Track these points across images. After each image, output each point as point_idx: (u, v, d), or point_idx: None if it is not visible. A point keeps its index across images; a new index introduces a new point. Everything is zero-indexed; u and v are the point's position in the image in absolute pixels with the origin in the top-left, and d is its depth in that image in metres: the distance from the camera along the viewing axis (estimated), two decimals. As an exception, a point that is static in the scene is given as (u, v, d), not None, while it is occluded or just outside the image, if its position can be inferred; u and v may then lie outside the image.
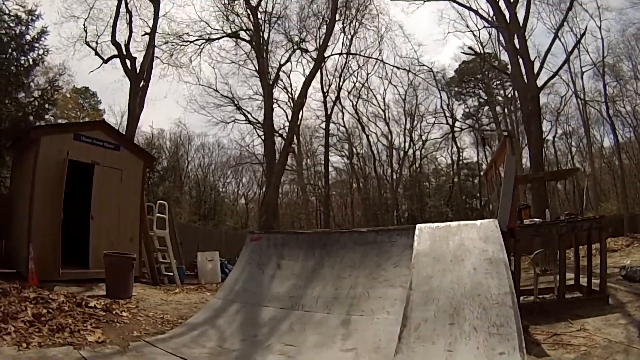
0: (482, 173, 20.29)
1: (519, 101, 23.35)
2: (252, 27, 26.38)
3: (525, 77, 19.43)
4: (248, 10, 26.25)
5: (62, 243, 9.60)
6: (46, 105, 14.20)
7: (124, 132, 15.75)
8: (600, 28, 27.84)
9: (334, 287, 5.83)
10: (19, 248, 9.99)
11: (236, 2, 26.69)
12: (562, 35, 25.88)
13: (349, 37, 30.44)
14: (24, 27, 13.71)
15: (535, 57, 20.47)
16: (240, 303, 6.67)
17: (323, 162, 35.12)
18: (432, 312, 3.92)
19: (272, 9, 27.54)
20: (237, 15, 27.01)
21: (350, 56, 32.23)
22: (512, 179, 6.54)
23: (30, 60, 13.91)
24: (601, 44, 28.60)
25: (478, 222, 5.30)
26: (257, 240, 7.71)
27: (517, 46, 19.84)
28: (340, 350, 4.59)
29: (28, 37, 13.81)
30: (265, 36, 27.15)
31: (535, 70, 19.63)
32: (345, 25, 29.14)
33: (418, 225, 5.53)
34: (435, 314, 3.89)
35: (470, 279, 4.18)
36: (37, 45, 13.97)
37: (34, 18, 13.94)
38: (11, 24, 13.48)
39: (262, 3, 26.52)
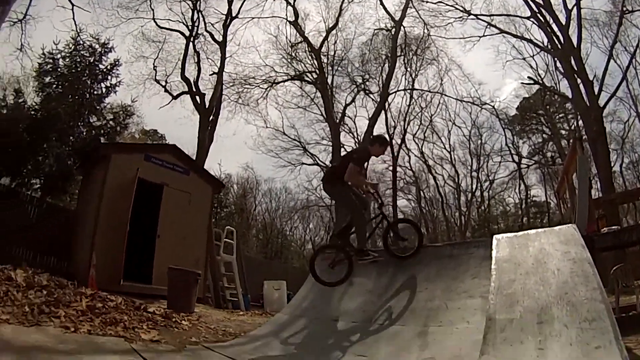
0: (555, 189, 19.02)
1: (583, 127, 22.57)
2: (315, 70, 26.68)
3: (586, 99, 18.83)
4: (311, 54, 26.68)
5: (125, 256, 9.53)
6: (118, 128, 14.69)
7: (193, 161, 15.88)
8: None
9: (409, 301, 5.48)
10: (82, 259, 10.00)
11: (299, 45, 27.23)
12: (618, 56, 24.42)
13: (411, 77, 30.07)
14: (97, 58, 14.57)
15: (594, 77, 19.68)
16: (307, 318, 6.35)
17: (391, 205, 34.43)
18: (517, 314, 3.66)
19: (334, 53, 27.90)
20: (300, 61, 27.58)
21: (413, 100, 31.83)
22: (587, 179, 6.42)
23: (104, 88, 14.68)
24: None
25: (556, 228, 4.89)
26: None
27: (575, 68, 19.28)
28: (416, 360, 4.23)
29: (101, 67, 14.63)
30: (329, 80, 27.31)
31: (596, 92, 18.97)
32: (406, 64, 29.02)
33: (495, 236, 5.05)
34: (522, 315, 3.62)
35: (555, 279, 3.87)
36: (110, 75, 14.80)
37: (107, 50, 14.82)
38: (85, 54, 14.34)
39: (324, 48, 26.89)
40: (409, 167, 36.04)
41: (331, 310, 6.19)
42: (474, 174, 36.33)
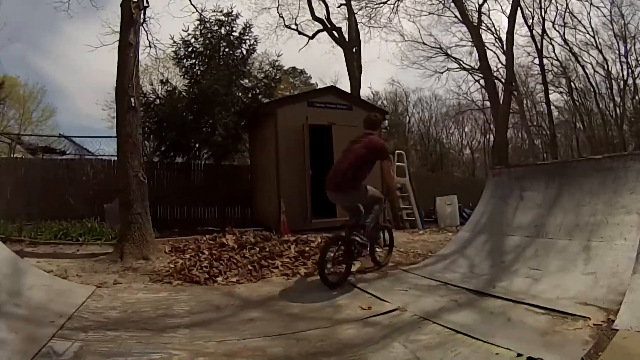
0: None
1: None
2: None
3: None
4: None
5: (310, 197, 10.75)
6: (272, 84, 15.67)
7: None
8: None
9: (575, 215, 5.57)
10: (267, 208, 11.62)
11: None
12: None
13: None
14: (228, 28, 15.28)
15: None
16: (486, 234, 6.72)
17: (543, 101, 32.16)
18: (666, 234, 3.60)
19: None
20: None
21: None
22: None
23: (244, 51, 15.48)
24: None
25: None
26: (499, 176, 7.65)
27: None
28: (581, 274, 4.50)
29: (235, 34, 15.35)
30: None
31: None
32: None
33: (649, 149, 4.90)
34: (669, 235, 3.57)
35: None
36: (246, 37, 15.48)
37: (233, 18, 15.41)
38: (215, 28, 15.09)
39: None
40: (555, 58, 32.99)
41: (507, 225, 6.47)
42: (623, 59, 31.75)
